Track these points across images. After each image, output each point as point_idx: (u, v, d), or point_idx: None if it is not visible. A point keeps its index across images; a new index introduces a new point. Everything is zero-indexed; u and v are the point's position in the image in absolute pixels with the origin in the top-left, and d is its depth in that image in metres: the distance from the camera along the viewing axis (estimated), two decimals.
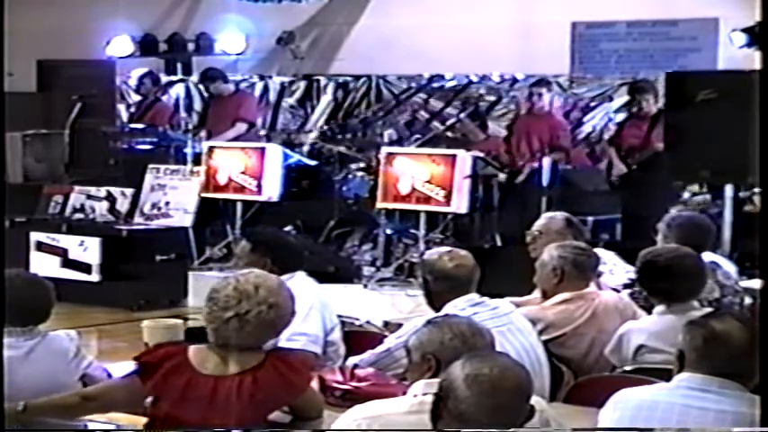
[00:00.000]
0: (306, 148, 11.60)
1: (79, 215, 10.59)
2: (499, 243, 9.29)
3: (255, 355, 3.73)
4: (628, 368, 4.68)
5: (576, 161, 10.66)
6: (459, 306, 4.69)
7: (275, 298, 3.75)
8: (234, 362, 3.71)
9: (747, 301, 5.63)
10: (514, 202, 9.58)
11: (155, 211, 10.60)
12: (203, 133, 11.20)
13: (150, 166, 10.82)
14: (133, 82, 12.47)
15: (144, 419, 3.82)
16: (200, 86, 12.65)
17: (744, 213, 8.48)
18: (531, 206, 9.12)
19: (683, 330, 3.47)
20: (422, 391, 3.36)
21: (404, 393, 3.48)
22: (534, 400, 3.07)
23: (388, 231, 9.99)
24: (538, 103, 10.24)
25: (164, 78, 12.68)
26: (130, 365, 3.86)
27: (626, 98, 10.52)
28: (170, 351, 3.81)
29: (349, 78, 12.43)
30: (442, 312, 4.57)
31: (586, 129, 11.15)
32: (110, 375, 4.39)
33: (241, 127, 11.25)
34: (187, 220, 10.48)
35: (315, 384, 4.19)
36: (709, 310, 4.59)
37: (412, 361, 3.58)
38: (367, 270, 9.92)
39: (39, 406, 3.89)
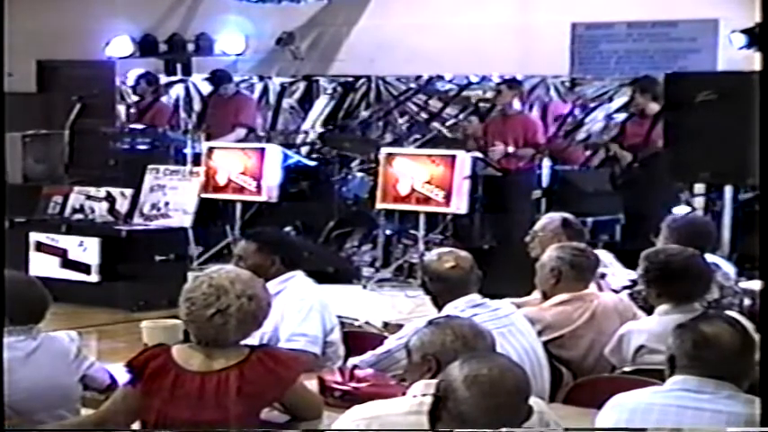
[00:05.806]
0: (305, 149, 11.61)
1: (79, 216, 10.56)
2: (498, 244, 9.28)
3: (240, 351, 3.76)
4: (627, 369, 4.68)
5: (575, 161, 10.67)
6: (460, 307, 4.69)
7: (252, 290, 3.79)
8: (219, 358, 3.73)
9: (747, 302, 5.63)
10: (514, 203, 9.58)
11: (154, 212, 10.59)
12: (202, 134, 11.18)
13: (150, 166, 10.80)
14: (131, 82, 12.47)
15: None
16: (201, 86, 12.64)
17: (743, 214, 8.48)
18: (531, 207, 9.12)
19: (674, 334, 3.48)
20: (421, 392, 3.36)
21: (403, 394, 3.48)
22: (534, 401, 3.08)
23: (388, 232, 9.99)
24: (509, 104, 10.21)
25: (163, 79, 12.68)
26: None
27: (626, 98, 10.54)
28: (154, 352, 3.83)
29: (349, 79, 12.42)
30: (443, 313, 4.57)
31: (586, 129, 11.14)
32: (111, 376, 4.39)
33: (240, 132, 11.26)
34: (186, 221, 10.46)
35: (314, 385, 4.20)
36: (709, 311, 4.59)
37: (412, 361, 3.58)
38: (366, 271, 9.93)
39: None
